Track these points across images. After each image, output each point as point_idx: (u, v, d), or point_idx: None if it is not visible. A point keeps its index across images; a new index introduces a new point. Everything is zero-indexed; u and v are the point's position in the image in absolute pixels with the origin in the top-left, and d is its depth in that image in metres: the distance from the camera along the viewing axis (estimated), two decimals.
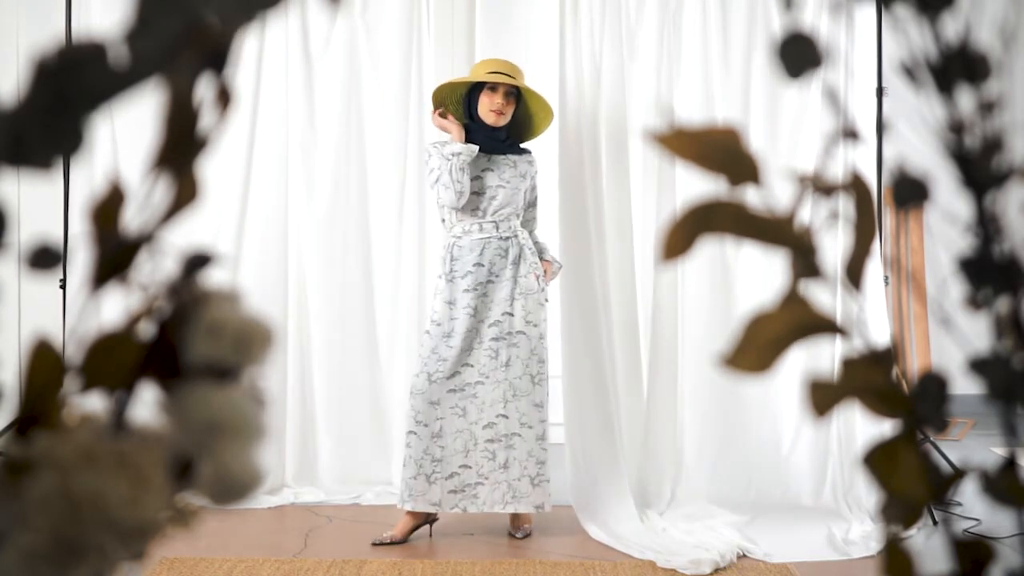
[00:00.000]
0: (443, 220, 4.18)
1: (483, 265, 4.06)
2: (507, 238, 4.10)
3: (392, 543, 3.96)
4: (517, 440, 4.01)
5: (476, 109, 4.10)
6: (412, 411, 4.03)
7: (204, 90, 0.61)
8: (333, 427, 4.78)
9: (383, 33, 4.81)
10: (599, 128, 4.41)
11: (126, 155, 4.58)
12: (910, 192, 0.69)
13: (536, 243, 4.23)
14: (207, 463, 0.61)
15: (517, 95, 4.13)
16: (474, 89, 4.12)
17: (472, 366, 4.02)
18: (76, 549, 0.58)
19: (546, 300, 4.13)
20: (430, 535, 4.07)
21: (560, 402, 4.38)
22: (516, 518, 4.09)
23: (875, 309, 4.38)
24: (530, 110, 4.19)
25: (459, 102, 4.17)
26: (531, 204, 4.25)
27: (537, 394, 4.05)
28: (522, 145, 4.24)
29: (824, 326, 0.68)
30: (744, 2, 4.53)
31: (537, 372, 4.07)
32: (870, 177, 4.45)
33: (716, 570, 3.69)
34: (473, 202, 4.08)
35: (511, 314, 4.04)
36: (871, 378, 0.69)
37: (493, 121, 4.08)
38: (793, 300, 0.68)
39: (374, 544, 3.94)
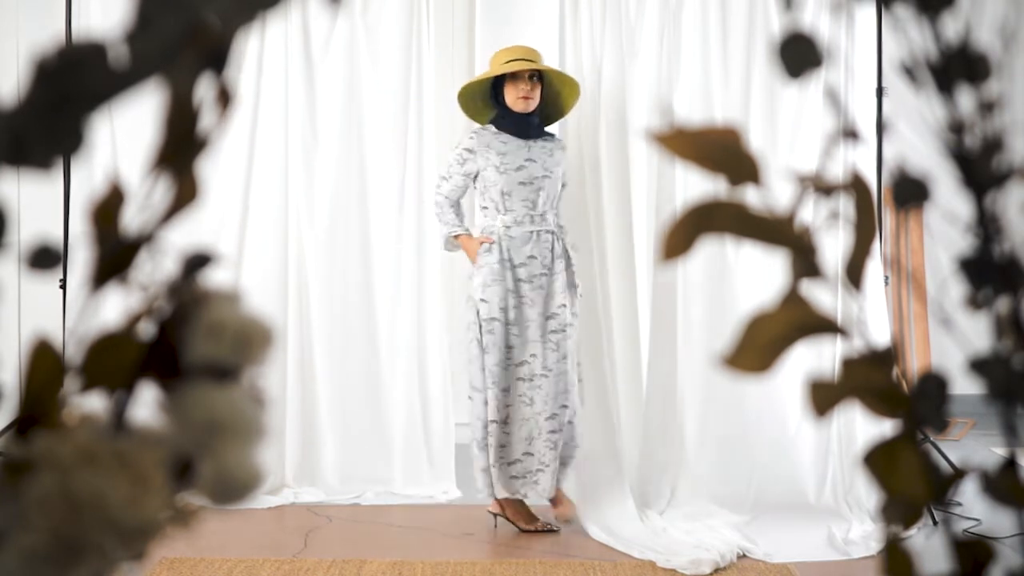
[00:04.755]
0: (485, 208, 4.22)
1: (536, 257, 4.13)
2: (552, 232, 4.17)
3: (547, 530, 4.11)
4: (569, 427, 4.15)
5: (504, 101, 4.16)
6: (495, 400, 4.09)
7: (204, 90, 0.61)
8: (334, 427, 4.78)
9: (383, 33, 4.81)
10: (599, 128, 4.41)
11: (126, 155, 4.58)
12: (910, 192, 0.69)
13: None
14: (207, 463, 0.61)
15: (540, 77, 4.16)
16: (498, 82, 4.16)
17: (537, 356, 4.10)
18: (76, 549, 0.58)
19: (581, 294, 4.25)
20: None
21: None
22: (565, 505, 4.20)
23: (875, 309, 4.38)
24: (555, 88, 4.24)
25: (486, 99, 4.23)
26: (562, 187, 4.32)
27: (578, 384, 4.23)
28: (547, 129, 4.31)
29: (824, 326, 0.68)
30: (744, 2, 4.53)
31: (579, 363, 4.23)
32: (870, 177, 4.45)
33: (716, 570, 3.69)
34: (521, 192, 4.13)
35: (565, 306, 4.14)
36: (871, 378, 0.69)
37: (523, 108, 4.14)
38: (793, 300, 0.68)
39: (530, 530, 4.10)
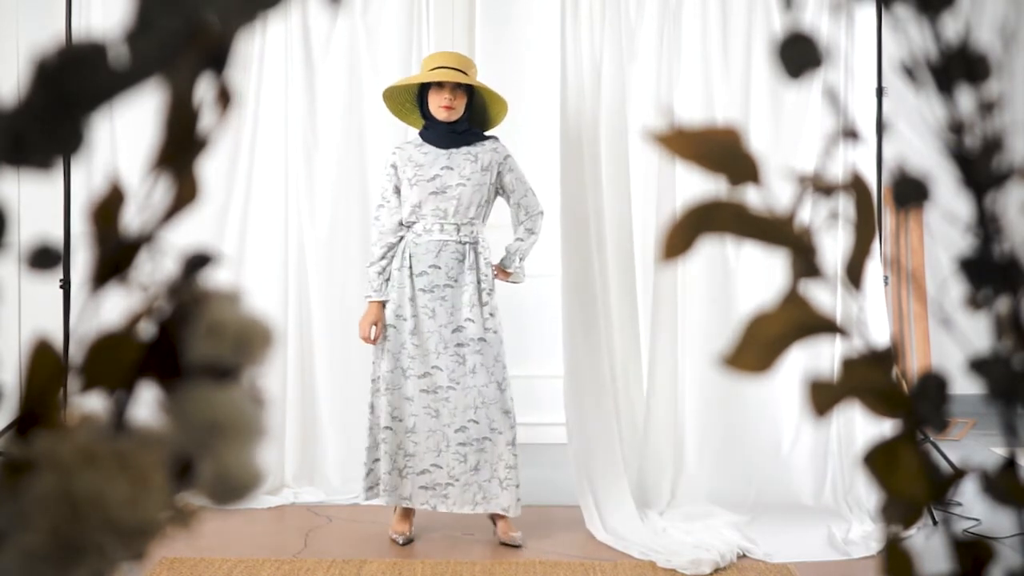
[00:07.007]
0: (409, 223, 4.07)
1: (440, 268, 3.99)
2: (466, 243, 4.02)
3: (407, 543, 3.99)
4: (488, 444, 3.98)
5: (428, 107, 4.05)
6: (388, 406, 4.00)
7: (204, 90, 0.61)
8: (334, 427, 4.78)
9: (383, 34, 4.81)
10: (599, 128, 4.41)
11: (126, 155, 4.58)
12: (910, 192, 0.69)
13: (517, 244, 4.13)
14: (207, 463, 0.61)
15: (468, 87, 4.04)
16: (426, 87, 4.06)
17: (442, 370, 3.98)
18: (76, 549, 0.58)
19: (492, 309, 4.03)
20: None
21: (560, 402, 4.38)
22: (503, 524, 4.03)
23: (875, 309, 4.37)
24: (485, 100, 4.12)
25: (414, 102, 4.14)
26: (511, 192, 4.11)
27: (504, 401, 4.00)
28: (486, 133, 4.15)
29: (824, 326, 0.68)
30: (744, 2, 4.53)
31: (503, 378, 4.01)
32: (870, 177, 4.45)
33: (716, 570, 3.69)
34: (432, 202, 4.01)
35: (472, 320, 3.98)
36: (871, 378, 0.69)
37: (445, 117, 4.01)
38: (793, 300, 0.68)
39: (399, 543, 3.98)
